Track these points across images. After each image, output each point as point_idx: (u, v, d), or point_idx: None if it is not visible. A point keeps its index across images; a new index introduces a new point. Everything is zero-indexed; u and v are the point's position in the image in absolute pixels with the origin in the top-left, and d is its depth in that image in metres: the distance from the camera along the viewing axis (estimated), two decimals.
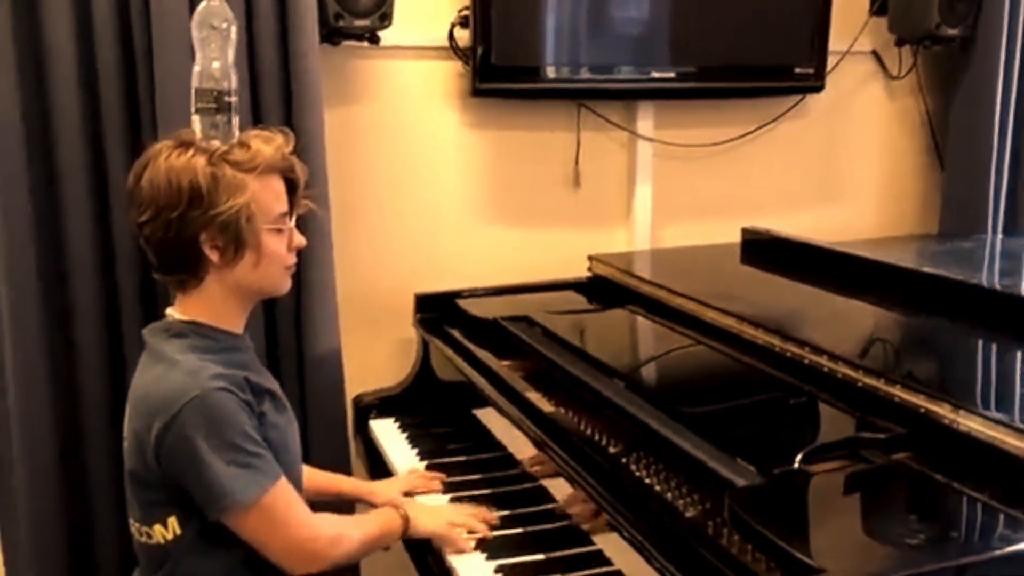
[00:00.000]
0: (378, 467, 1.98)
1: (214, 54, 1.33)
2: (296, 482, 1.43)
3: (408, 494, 1.74)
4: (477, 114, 2.33)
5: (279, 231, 1.36)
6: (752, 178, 2.59)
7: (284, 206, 1.37)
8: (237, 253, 1.31)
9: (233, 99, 1.35)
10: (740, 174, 2.58)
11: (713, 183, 2.56)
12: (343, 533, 1.42)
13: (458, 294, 2.17)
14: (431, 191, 2.32)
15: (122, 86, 1.85)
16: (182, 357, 1.29)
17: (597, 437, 1.54)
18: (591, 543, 1.45)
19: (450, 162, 2.33)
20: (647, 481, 1.37)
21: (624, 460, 1.45)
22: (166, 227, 1.29)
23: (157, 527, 1.31)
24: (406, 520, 1.50)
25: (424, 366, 2.16)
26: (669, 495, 1.33)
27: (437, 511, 1.57)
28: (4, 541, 2.08)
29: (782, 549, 1.03)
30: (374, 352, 2.28)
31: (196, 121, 1.34)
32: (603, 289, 2.21)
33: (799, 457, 1.23)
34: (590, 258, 2.30)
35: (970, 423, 1.25)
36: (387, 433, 2.04)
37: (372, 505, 1.75)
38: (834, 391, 1.46)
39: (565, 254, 2.38)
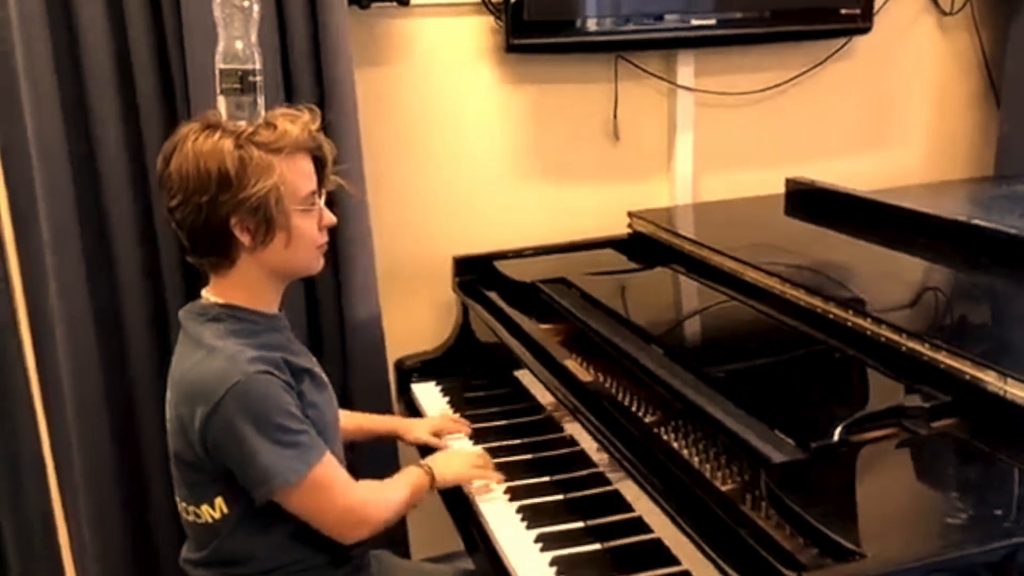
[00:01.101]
0: None
1: (237, 33, 1.31)
2: (336, 458, 1.44)
3: (436, 435, 1.81)
4: (511, 70, 2.28)
5: (309, 211, 1.35)
6: (796, 125, 2.52)
7: (312, 185, 1.36)
8: (268, 235, 1.31)
9: (258, 79, 1.33)
10: (783, 121, 2.50)
11: (756, 132, 2.49)
12: (384, 496, 1.46)
13: (496, 256, 2.15)
14: (466, 150, 2.29)
15: (155, 66, 1.86)
16: (221, 343, 1.30)
17: (633, 405, 1.53)
18: (631, 510, 1.45)
19: (485, 120, 2.29)
20: (682, 453, 1.35)
21: (658, 430, 1.44)
22: (196, 211, 1.29)
23: (204, 507, 1.34)
24: (431, 474, 1.54)
25: (464, 328, 2.16)
26: (704, 467, 1.32)
27: (456, 458, 1.65)
28: (66, 515, 2.15)
29: (820, 531, 1.01)
30: (414, 315, 2.28)
31: (221, 102, 1.33)
32: (643, 246, 2.17)
33: (839, 430, 1.20)
34: (630, 214, 2.27)
35: (1019, 392, 1.21)
36: (429, 396, 2.06)
37: (403, 441, 1.86)
38: (877, 355, 1.42)
39: (605, 210, 2.35)
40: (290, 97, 1.91)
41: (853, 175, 2.47)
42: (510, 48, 2.18)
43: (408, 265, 2.27)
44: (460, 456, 1.66)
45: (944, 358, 1.33)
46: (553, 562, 1.42)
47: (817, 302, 1.59)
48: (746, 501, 1.24)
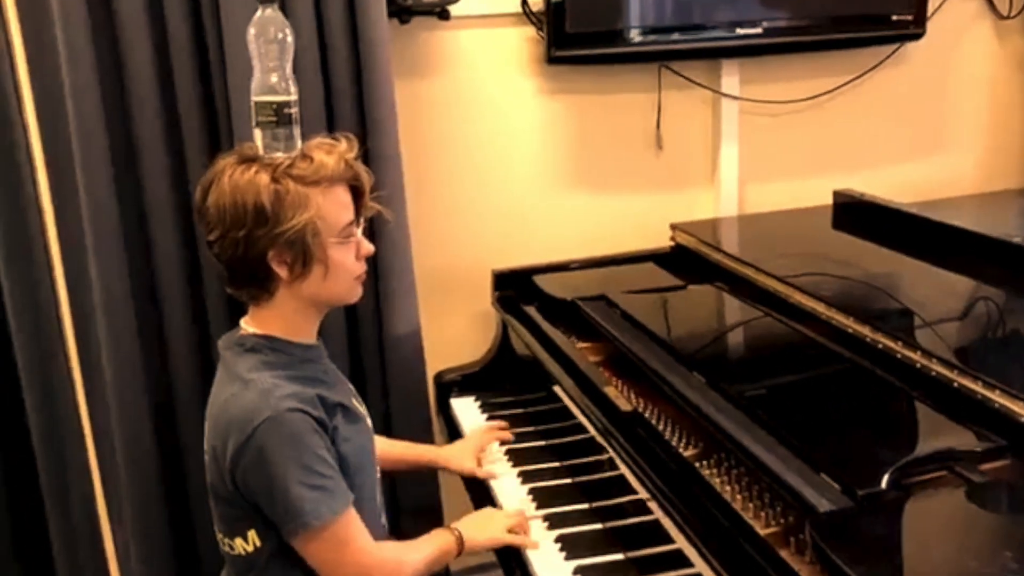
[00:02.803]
0: None
1: (272, 65, 1.30)
2: (371, 490, 1.44)
3: (480, 451, 1.80)
4: (552, 80, 2.26)
5: (346, 242, 1.35)
6: (844, 134, 2.46)
7: (350, 215, 1.35)
8: (305, 268, 1.30)
9: (293, 111, 1.32)
10: (831, 130, 2.45)
11: (802, 141, 2.44)
12: (403, 560, 1.42)
13: (536, 270, 2.13)
14: (507, 161, 2.27)
15: (199, 97, 1.88)
16: (256, 376, 1.30)
17: (673, 437, 1.50)
18: (671, 541, 1.42)
19: (526, 131, 2.27)
20: (722, 492, 1.32)
21: (699, 464, 1.41)
22: (234, 246, 1.28)
23: (238, 540, 1.34)
24: (460, 539, 1.50)
25: (504, 343, 2.14)
26: (745, 506, 1.29)
27: (490, 521, 1.56)
28: (111, 519, 2.18)
29: None
30: (453, 327, 2.27)
31: (257, 134, 1.32)
32: (686, 260, 2.14)
33: (887, 476, 1.17)
34: (673, 227, 2.23)
35: None
36: (468, 412, 2.04)
37: (447, 472, 1.83)
38: (928, 390, 1.38)
39: (647, 221, 2.32)
40: (331, 119, 1.91)
41: (903, 185, 2.42)
42: (552, 60, 2.16)
43: (448, 276, 2.26)
44: (494, 519, 1.58)
45: (999, 397, 1.28)
46: None
47: (866, 331, 1.55)
48: (789, 544, 1.22)
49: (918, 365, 1.42)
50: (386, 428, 2.06)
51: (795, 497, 1.17)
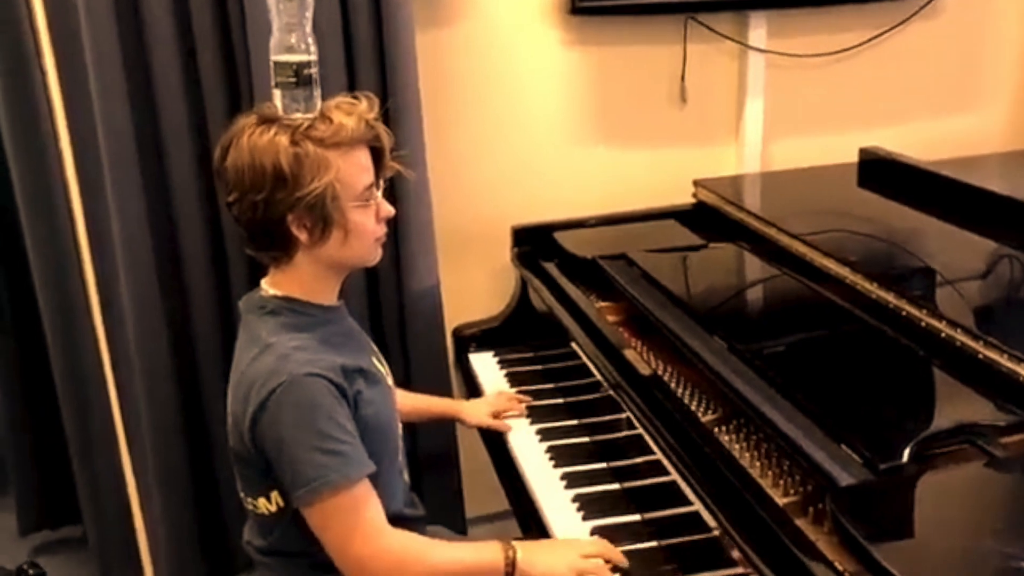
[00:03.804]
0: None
1: (292, 21, 1.28)
2: (394, 448, 1.45)
3: (495, 415, 1.79)
4: (575, 31, 2.21)
5: (366, 205, 1.33)
6: (873, 89, 2.40)
7: (370, 178, 1.34)
8: (325, 231, 1.30)
9: (313, 71, 1.30)
10: (860, 85, 2.39)
11: (830, 95, 2.38)
12: (422, 555, 1.32)
13: (556, 226, 2.11)
14: (527, 114, 2.24)
15: (219, 57, 1.86)
16: (275, 339, 1.30)
17: (692, 401, 1.50)
18: (689, 503, 1.41)
19: (547, 83, 2.23)
20: (740, 458, 1.32)
21: (718, 430, 1.41)
22: (253, 209, 1.27)
23: (261, 500, 1.36)
24: (511, 563, 1.32)
25: (522, 299, 2.14)
26: (764, 474, 1.29)
27: (558, 553, 1.37)
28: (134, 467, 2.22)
29: (888, 572, 0.98)
30: (472, 281, 2.26)
31: (277, 95, 1.30)
32: (708, 218, 2.11)
33: (909, 448, 1.16)
34: (695, 183, 2.20)
35: None
36: (486, 367, 2.05)
37: (463, 424, 1.81)
38: (952, 361, 1.37)
39: (669, 177, 2.28)
40: (352, 74, 1.89)
41: (932, 141, 2.37)
42: (575, 10, 2.11)
43: (467, 231, 2.24)
44: (563, 551, 1.36)
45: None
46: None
47: (889, 297, 1.53)
48: (807, 514, 1.22)
49: (942, 334, 1.41)
50: (405, 382, 2.07)
51: (815, 469, 1.17)
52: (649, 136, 2.32)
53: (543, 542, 1.42)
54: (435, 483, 2.14)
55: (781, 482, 1.28)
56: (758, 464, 1.32)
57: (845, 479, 1.13)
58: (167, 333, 2.01)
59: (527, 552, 1.35)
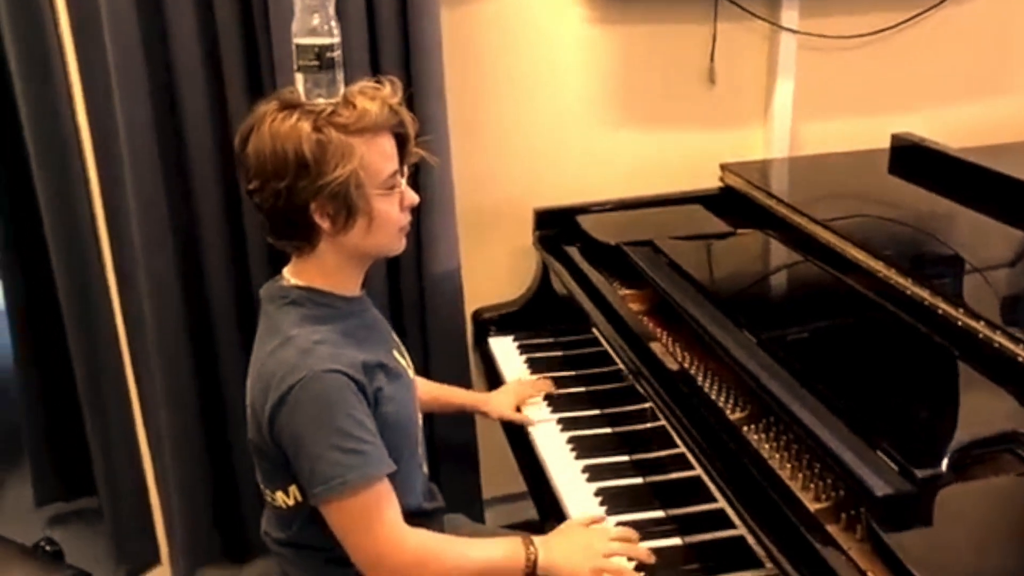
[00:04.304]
0: (496, 385, 1.96)
1: (315, 2, 1.23)
2: (414, 442, 1.42)
3: (519, 405, 1.76)
4: (601, 8, 2.15)
5: (390, 193, 1.30)
6: (907, 72, 2.34)
7: (394, 165, 1.30)
8: (348, 220, 1.26)
9: (336, 54, 1.26)
10: (893, 68, 2.33)
11: (862, 78, 2.32)
12: (440, 553, 1.30)
13: (579, 209, 2.07)
14: (551, 94, 2.19)
15: (240, 38, 1.82)
16: (297, 331, 1.27)
17: (720, 397, 1.47)
18: (713, 500, 1.40)
19: (573, 63, 2.18)
20: (770, 460, 1.29)
21: (747, 428, 1.38)
22: (275, 197, 1.24)
23: (279, 494, 1.34)
24: (532, 561, 1.30)
25: (544, 282, 2.10)
26: (794, 477, 1.26)
27: (577, 545, 1.34)
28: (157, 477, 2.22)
29: None
30: (493, 263, 2.23)
31: (299, 79, 1.27)
32: (735, 203, 2.07)
33: (947, 457, 1.13)
34: (723, 167, 2.16)
35: None
36: (506, 352, 2.02)
37: (486, 416, 1.79)
38: (989, 363, 1.33)
39: (696, 159, 2.24)
40: (375, 55, 1.85)
41: (967, 127, 2.32)
42: None
43: (488, 212, 2.20)
44: (585, 549, 1.33)
45: None
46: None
47: (924, 293, 1.49)
48: (839, 520, 1.19)
49: (980, 334, 1.37)
50: (423, 366, 2.05)
51: (850, 477, 1.14)
52: (676, 118, 2.27)
53: (564, 535, 1.39)
54: (453, 472, 2.13)
55: (812, 485, 1.25)
56: (788, 466, 1.29)
57: (882, 489, 1.09)
58: (184, 313, 1.99)
59: (548, 551, 1.33)
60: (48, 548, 1.94)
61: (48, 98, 1.94)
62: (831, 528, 1.16)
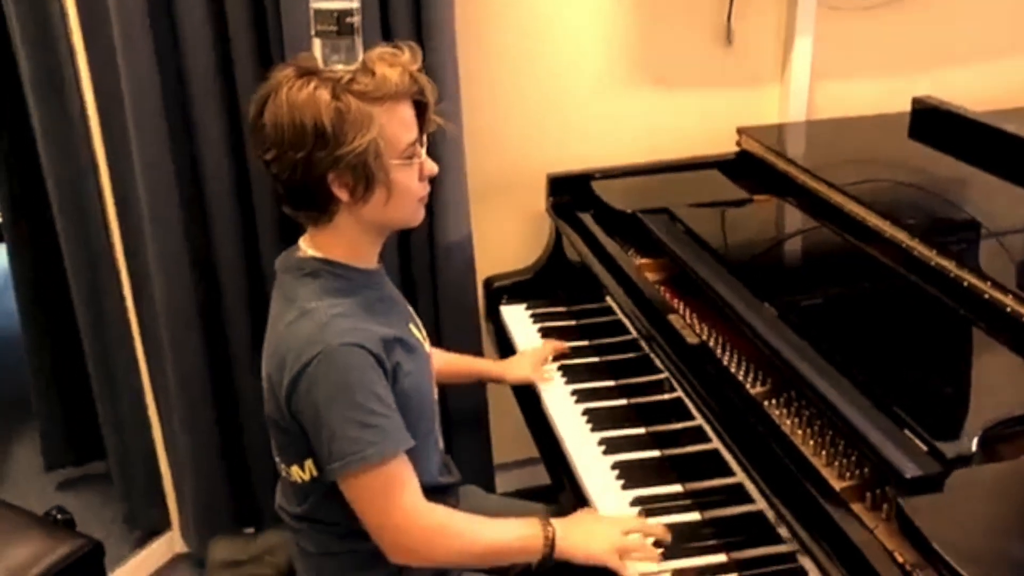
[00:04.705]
0: (508, 354, 1.94)
1: None
2: (430, 416, 1.40)
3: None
4: None
5: (409, 163, 1.26)
6: (928, 33, 2.28)
7: (414, 134, 1.27)
8: (367, 191, 1.23)
9: (355, 19, 1.21)
10: (914, 28, 2.26)
11: (882, 39, 2.26)
12: (460, 531, 1.30)
13: (593, 175, 2.03)
14: (565, 56, 2.13)
15: (249, 7, 1.76)
16: (315, 304, 1.25)
17: (739, 370, 1.44)
18: (731, 473, 1.38)
19: (586, 22, 2.12)
20: (792, 436, 1.27)
21: (767, 403, 1.35)
22: (292, 168, 1.21)
23: (295, 468, 1.32)
24: (550, 541, 1.30)
25: (556, 249, 2.07)
26: (814, 454, 1.24)
27: (596, 525, 1.34)
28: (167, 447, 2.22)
29: (955, 570, 0.94)
30: (505, 230, 2.20)
31: (316, 45, 1.22)
32: (752, 168, 2.03)
33: (977, 437, 1.11)
34: (739, 131, 2.11)
35: None
36: (518, 321, 2.00)
37: (504, 383, 1.77)
38: (1017, 337, 1.30)
39: (713, 122, 2.20)
40: (386, 23, 1.80)
41: (991, 90, 2.26)
42: None
43: (500, 178, 2.16)
44: (603, 531, 1.32)
45: None
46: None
47: (950, 265, 1.46)
48: (864, 499, 1.17)
49: (1008, 308, 1.34)
50: (435, 336, 2.02)
51: (877, 457, 1.12)
52: (691, 79, 2.22)
53: (581, 519, 1.38)
54: (464, 440, 2.11)
55: (836, 463, 1.23)
56: (811, 443, 1.27)
57: (911, 470, 1.07)
58: (192, 282, 1.96)
59: (565, 530, 1.32)
60: (59, 517, 1.94)
61: (52, 67, 1.90)
62: (856, 507, 1.15)
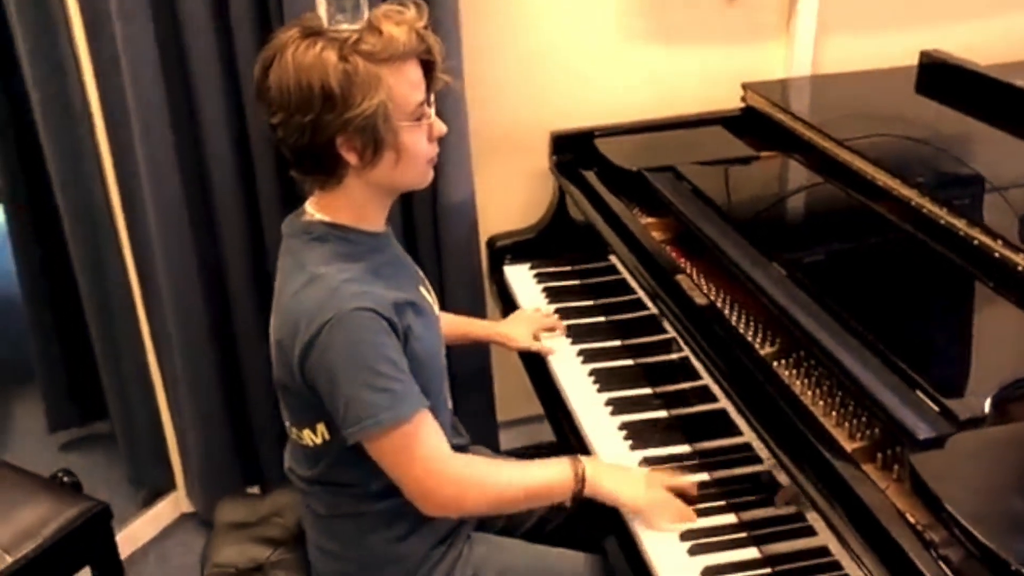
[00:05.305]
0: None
1: None
2: (439, 378, 1.40)
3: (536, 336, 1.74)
4: None
5: (418, 124, 1.24)
6: None
7: (422, 94, 1.24)
8: (376, 154, 1.21)
9: None
10: None
11: None
12: (486, 478, 1.31)
13: (596, 132, 2.01)
14: (567, 11, 2.09)
15: None
16: (324, 269, 1.23)
17: (748, 330, 1.44)
18: (739, 433, 1.37)
19: None
20: (802, 397, 1.27)
21: (776, 364, 1.35)
22: (299, 131, 1.19)
23: (307, 431, 1.32)
24: (580, 478, 1.30)
25: (560, 209, 2.06)
26: (824, 415, 1.24)
27: (627, 476, 1.35)
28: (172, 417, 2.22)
29: (978, 540, 0.94)
30: (508, 188, 2.17)
31: (321, 4, 1.19)
32: (757, 124, 2.01)
33: (990, 398, 1.11)
34: (744, 87, 2.08)
35: None
36: (522, 281, 1.99)
37: (507, 348, 1.76)
38: None
39: (717, 77, 2.17)
40: None
41: (1001, 42, 2.22)
42: None
43: (502, 136, 2.13)
44: (635, 476, 1.35)
45: None
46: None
47: (960, 224, 1.44)
48: (875, 460, 1.18)
49: (1019, 267, 1.33)
50: (439, 296, 2.00)
51: (890, 418, 1.12)
52: (695, 34, 2.18)
53: (612, 466, 1.40)
54: (469, 403, 2.11)
55: (847, 424, 1.23)
56: (821, 403, 1.27)
57: (924, 431, 1.07)
58: (192, 236, 1.94)
59: (595, 468, 1.33)
60: (66, 479, 1.94)
61: (48, 28, 1.86)
62: (867, 468, 1.15)
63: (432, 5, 1.76)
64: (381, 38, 1.18)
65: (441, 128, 1.29)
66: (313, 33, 1.19)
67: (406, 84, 1.22)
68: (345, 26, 1.19)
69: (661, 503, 1.31)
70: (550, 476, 1.32)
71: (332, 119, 1.17)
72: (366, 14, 1.22)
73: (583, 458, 1.34)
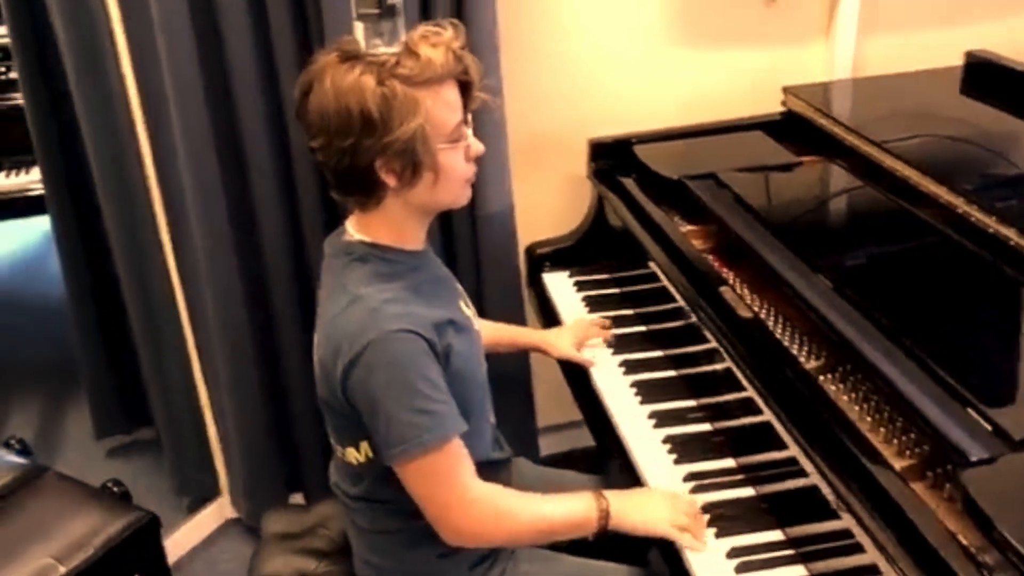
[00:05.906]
0: (552, 322, 1.93)
1: None
2: (481, 394, 1.41)
3: (579, 345, 1.73)
4: None
5: (455, 146, 1.25)
6: None
7: (459, 115, 1.25)
8: (414, 176, 1.22)
9: (397, 1, 1.19)
10: None
11: None
12: (514, 511, 1.31)
13: (635, 139, 2.00)
14: (605, 16, 2.08)
15: None
16: (365, 290, 1.24)
17: (793, 343, 1.42)
18: (784, 447, 1.36)
19: None
20: (849, 413, 1.25)
21: (822, 378, 1.33)
22: (339, 155, 1.20)
23: (350, 450, 1.33)
24: (605, 514, 1.31)
25: (599, 216, 2.05)
26: (872, 431, 1.22)
27: (653, 504, 1.35)
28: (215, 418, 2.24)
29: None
30: (546, 195, 2.17)
31: (358, 28, 1.20)
32: (798, 129, 1.98)
33: None
34: (785, 91, 2.06)
35: None
36: (561, 288, 1.98)
37: (548, 355, 1.75)
38: None
39: (757, 81, 2.15)
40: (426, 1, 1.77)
41: None
42: None
43: (540, 143, 2.13)
44: (658, 503, 1.34)
45: None
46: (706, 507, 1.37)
47: (1011, 233, 1.42)
48: (925, 478, 1.16)
49: None
50: (478, 304, 2.01)
51: (940, 438, 1.10)
52: (734, 38, 2.16)
53: (634, 494, 1.39)
54: (508, 410, 2.11)
55: (895, 441, 1.21)
56: (868, 419, 1.26)
57: (977, 452, 1.06)
58: (236, 246, 1.97)
59: (621, 502, 1.33)
60: (116, 490, 1.98)
61: (90, 34, 1.89)
62: (917, 486, 1.13)
63: (468, 24, 1.77)
64: (419, 61, 1.18)
65: (478, 148, 1.30)
66: (351, 57, 1.19)
67: (443, 106, 1.22)
68: (383, 49, 1.20)
69: (687, 526, 1.31)
70: (573, 512, 1.32)
71: (371, 143, 1.18)
72: (403, 36, 1.22)
73: (608, 493, 1.34)
